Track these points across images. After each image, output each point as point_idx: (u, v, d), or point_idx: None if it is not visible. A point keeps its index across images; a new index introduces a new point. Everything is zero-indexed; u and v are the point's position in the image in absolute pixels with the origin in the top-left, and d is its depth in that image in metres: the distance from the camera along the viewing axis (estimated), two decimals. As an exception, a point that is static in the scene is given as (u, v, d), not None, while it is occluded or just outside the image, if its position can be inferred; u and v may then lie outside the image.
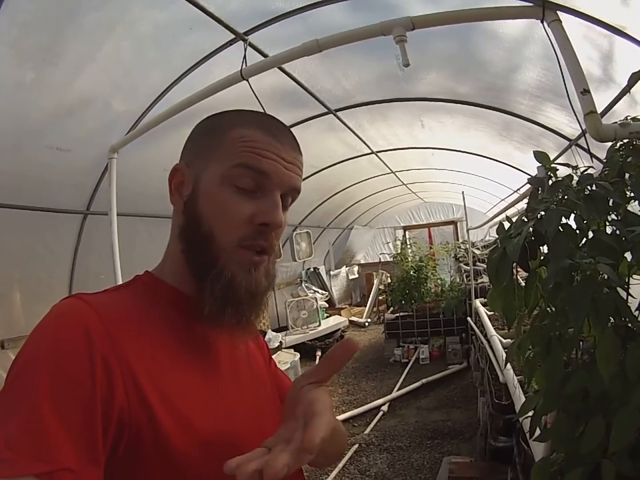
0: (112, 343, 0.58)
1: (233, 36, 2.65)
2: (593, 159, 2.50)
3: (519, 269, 1.24)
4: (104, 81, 2.69)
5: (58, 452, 0.48)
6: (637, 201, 1.22)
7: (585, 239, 1.15)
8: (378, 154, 6.06)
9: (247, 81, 2.14)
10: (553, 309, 1.18)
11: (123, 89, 2.87)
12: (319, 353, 7.02)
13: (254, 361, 0.82)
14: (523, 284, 1.26)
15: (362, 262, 12.24)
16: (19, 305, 3.24)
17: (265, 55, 2.79)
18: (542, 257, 1.22)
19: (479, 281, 5.62)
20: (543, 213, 1.12)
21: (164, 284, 0.71)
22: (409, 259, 7.83)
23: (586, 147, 1.68)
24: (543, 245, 1.17)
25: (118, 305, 0.65)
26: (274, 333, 6.68)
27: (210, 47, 2.77)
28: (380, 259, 10.78)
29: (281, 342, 6.54)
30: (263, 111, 0.78)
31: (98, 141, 3.02)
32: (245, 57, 2.22)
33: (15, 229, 3.17)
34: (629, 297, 1.14)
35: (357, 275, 11.70)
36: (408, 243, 8.83)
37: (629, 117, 1.31)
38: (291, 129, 0.75)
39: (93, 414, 0.53)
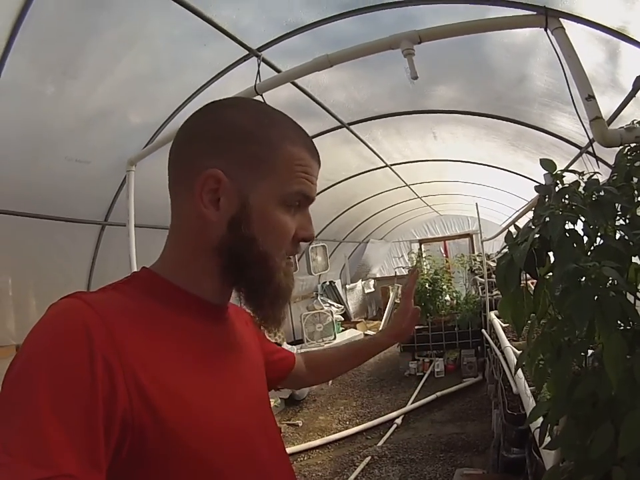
0: (113, 342, 0.56)
1: (246, 52, 2.72)
2: (605, 165, 2.50)
3: (528, 277, 1.24)
4: (122, 94, 2.77)
5: (58, 457, 0.47)
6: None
7: (593, 245, 1.16)
8: (392, 167, 6.08)
9: (261, 95, 2.18)
10: (562, 315, 1.18)
11: (140, 102, 2.95)
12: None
13: (251, 349, 0.83)
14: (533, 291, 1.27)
15: (378, 276, 12.21)
16: (35, 312, 3.30)
17: (277, 70, 2.86)
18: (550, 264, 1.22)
19: (494, 293, 5.56)
20: (547, 219, 1.13)
21: (167, 282, 0.70)
22: (425, 272, 7.79)
23: (595, 153, 1.70)
24: (549, 251, 1.18)
25: (118, 304, 0.63)
26: (289, 346, 6.67)
27: (225, 62, 2.85)
28: (396, 272, 10.72)
29: (296, 355, 6.52)
30: (289, 117, 0.76)
31: (116, 153, 3.10)
32: (258, 72, 2.27)
33: (34, 238, 3.24)
34: (637, 300, 1.15)
35: (372, 289, 11.65)
36: (423, 256, 8.78)
37: (635, 121, 1.32)
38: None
39: (94, 416, 0.51)
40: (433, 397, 5.21)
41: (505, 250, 1.25)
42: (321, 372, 1.19)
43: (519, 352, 2.85)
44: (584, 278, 1.05)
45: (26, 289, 3.31)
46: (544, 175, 1.39)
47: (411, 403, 5.19)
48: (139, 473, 0.57)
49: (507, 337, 3.49)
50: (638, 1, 1.80)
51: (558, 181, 1.29)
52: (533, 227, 1.21)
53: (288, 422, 5.18)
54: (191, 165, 0.68)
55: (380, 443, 4.34)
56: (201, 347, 0.69)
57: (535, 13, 1.45)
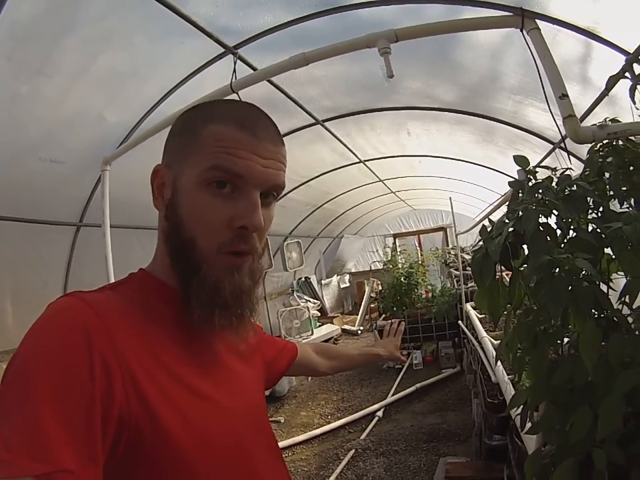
0: (111, 341, 0.57)
1: (223, 49, 2.71)
2: (577, 160, 2.58)
3: (503, 269, 1.28)
4: (98, 93, 2.72)
5: (57, 452, 0.48)
6: (616, 199, 1.27)
7: (566, 238, 1.20)
8: (366, 162, 6.11)
9: (237, 93, 2.18)
10: (537, 305, 1.22)
11: (116, 100, 2.90)
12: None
13: (248, 353, 0.83)
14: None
15: (353, 270, 12.26)
16: (12, 316, 3.22)
17: (254, 68, 2.85)
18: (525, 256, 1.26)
19: (469, 285, 5.68)
20: (521, 213, 1.17)
21: (160, 282, 0.71)
22: (399, 266, 7.88)
23: (567, 148, 1.75)
24: (523, 244, 1.22)
25: (116, 303, 0.64)
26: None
27: (201, 60, 2.82)
28: (371, 267, 10.81)
29: (274, 351, 6.52)
30: (239, 100, 0.76)
31: (91, 153, 3.04)
32: (234, 70, 2.26)
33: (8, 240, 3.15)
34: (610, 290, 1.20)
35: (348, 284, 11.72)
36: (398, 250, 8.88)
37: (607, 119, 1.38)
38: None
39: (92, 413, 0.52)
40: (412, 388, 5.29)
41: (480, 244, 1.29)
42: (340, 362, 1.29)
43: (496, 342, 2.93)
44: (557, 269, 1.10)
45: (3, 294, 3.22)
46: (517, 170, 1.44)
47: (391, 396, 5.27)
48: (134, 472, 0.58)
49: (484, 328, 3.58)
50: (608, 3, 1.87)
51: (531, 176, 1.34)
52: (507, 221, 1.25)
53: (270, 419, 5.14)
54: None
55: (363, 436, 4.39)
56: (197, 346, 0.70)
57: (511, 13, 1.49)
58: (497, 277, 1.27)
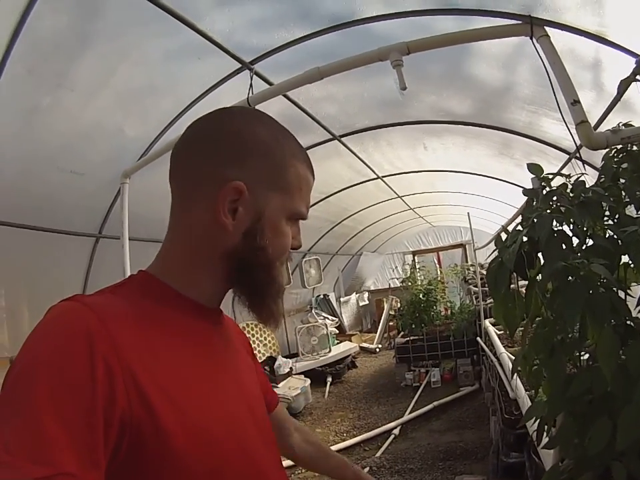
0: (113, 344, 0.57)
1: (239, 65, 2.77)
2: (594, 170, 2.54)
3: (520, 281, 1.26)
4: (117, 107, 2.80)
5: (58, 455, 0.47)
6: (633, 205, 1.25)
7: (583, 247, 1.18)
8: (384, 178, 6.12)
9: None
10: (553, 315, 1.19)
11: (135, 114, 2.98)
12: (329, 379, 6.95)
13: (242, 352, 0.86)
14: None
15: (372, 288, 12.19)
16: (28, 324, 3.28)
17: (270, 83, 2.90)
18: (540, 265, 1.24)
19: (488, 301, 5.60)
20: (535, 220, 1.15)
21: (164, 285, 0.70)
22: (418, 283, 7.81)
23: (583, 158, 1.73)
24: (539, 253, 1.20)
25: (117, 306, 0.64)
26: (284, 359, 6.65)
27: (218, 76, 2.89)
28: (390, 284, 10.72)
29: (291, 368, 6.51)
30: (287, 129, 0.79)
31: (110, 165, 3.12)
32: (251, 85, 2.30)
33: (28, 249, 3.24)
34: (628, 296, 1.17)
35: (367, 302, 11.63)
36: (417, 267, 8.81)
37: (620, 124, 1.36)
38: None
39: (94, 416, 0.52)
40: (430, 406, 5.20)
41: (495, 254, 1.27)
42: (316, 453, 1.10)
43: (514, 357, 2.87)
44: (573, 276, 1.07)
45: (19, 301, 3.29)
46: (531, 178, 1.42)
47: (409, 413, 5.17)
48: (135, 475, 0.58)
49: (502, 344, 3.52)
50: (615, 6, 1.86)
51: (545, 184, 1.32)
52: (521, 229, 1.24)
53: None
54: (211, 175, 0.70)
55: (378, 454, 4.31)
56: (199, 348, 0.71)
57: (520, 22, 1.49)
58: (513, 287, 1.25)
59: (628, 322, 1.08)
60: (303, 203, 0.76)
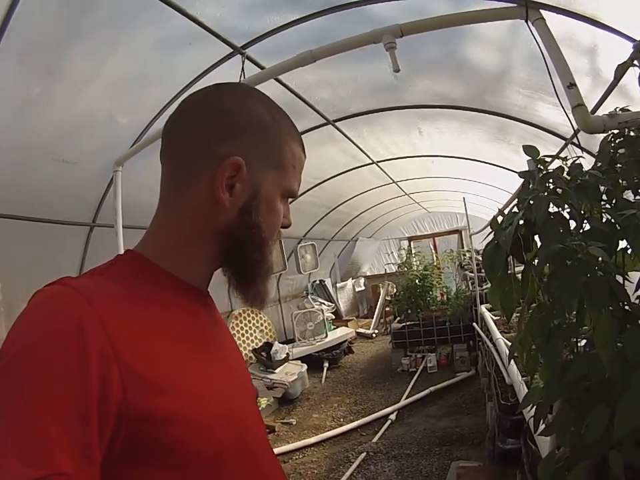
0: (105, 331, 0.54)
1: (231, 50, 2.72)
2: (591, 156, 2.52)
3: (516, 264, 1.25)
4: (108, 96, 2.76)
5: (51, 455, 0.45)
6: (630, 190, 1.23)
7: (580, 230, 1.16)
8: (379, 164, 6.09)
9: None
10: (550, 299, 1.18)
11: (126, 103, 2.95)
12: (326, 364, 7.00)
13: (230, 335, 0.86)
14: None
15: (368, 274, 12.26)
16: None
17: (262, 67, 2.86)
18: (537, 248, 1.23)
19: (484, 287, 5.61)
20: (532, 202, 1.13)
21: (155, 266, 0.68)
22: (414, 268, 7.83)
23: (580, 144, 1.71)
24: (535, 235, 1.18)
25: (106, 289, 0.61)
26: (281, 345, 6.66)
27: (209, 61, 2.84)
28: (386, 269, 10.76)
29: (288, 354, 6.53)
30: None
31: (103, 154, 3.09)
32: (243, 69, 2.26)
33: (22, 240, 3.22)
34: (626, 281, 1.16)
35: (363, 287, 11.67)
36: (412, 252, 8.82)
37: (617, 108, 1.33)
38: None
39: (88, 410, 0.50)
40: (426, 392, 5.24)
41: (491, 237, 1.25)
42: None
43: (510, 343, 2.88)
44: (571, 260, 1.06)
45: (16, 294, 3.27)
46: (527, 160, 1.40)
47: (405, 399, 5.22)
48: (132, 467, 0.56)
49: (498, 330, 3.53)
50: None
51: (542, 166, 1.30)
52: (518, 211, 1.22)
53: (282, 420, 5.17)
54: (208, 151, 0.68)
55: (375, 439, 4.35)
56: (193, 330, 0.69)
57: (515, 4, 1.46)
58: (509, 270, 1.23)
59: (626, 307, 1.07)
60: (295, 181, 0.76)
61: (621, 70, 1.37)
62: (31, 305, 0.57)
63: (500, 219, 1.33)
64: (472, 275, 5.97)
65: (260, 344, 6.79)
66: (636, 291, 1.13)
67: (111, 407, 0.52)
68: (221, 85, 0.75)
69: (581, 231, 1.16)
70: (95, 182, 3.41)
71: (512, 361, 2.31)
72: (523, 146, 1.32)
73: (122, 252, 2.54)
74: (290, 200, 0.78)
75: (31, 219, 3.19)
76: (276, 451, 4.24)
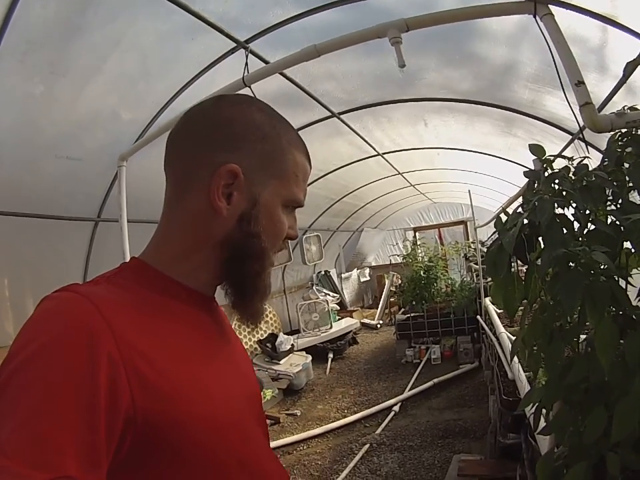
0: (113, 336, 0.55)
1: (234, 44, 2.70)
2: (598, 152, 2.50)
3: (520, 263, 1.24)
4: (111, 92, 2.76)
5: (57, 458, 0.45)
6: (636, 191, 1.22)
7: (584, 231, 1.15)
8: (384, 155, 6.06)
9: (250, 87, 2.16)
10: (553, 300, 1.18)
11: (129, 99, 2.94)
12: (330, 355, 7.03)
13: (238, 340, 0.86)
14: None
15: (373, 264, 12.24)
16: (30, 311, 3.31)
17: (266, 62, 2.84)
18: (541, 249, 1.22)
19: (489, 279, 5.59)
20: (536, 203, 1.12)
21: (160, 274, 0.69)
22: (419, 260, 7.81)
23: (587, 139, 1.68)
24: (539, 237, 1.18)
25: (114, 296, 0.62)
26: (286, 336, 6.70)
27: (212, 56, 2.83)
28: (390, 260, 10.74)
29: (292, 345, 6.57)
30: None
31: (107, 150, 3.10)
32: (246, 64, 2.24)
33: (28, 237, 3.24)
34: (629, 286, 1.15)
35: (368, 278, 11.68)
36: (417, 243, 8.79)
37: (625, 107, 1.32)
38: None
39: (96, 414, 0.50)
40: (430, 383, 5.25)
41: (495, 236, 1.24)
42: None
43: (513, 337, 2.87)
44: (574, 263, 1.05)
45: (23, 290, 3.31)
46: (533, 160, 1.39)
47: (408, 390, 5.24)
48: (145, 467, 0.56)
49: (502, 323, 3.52)
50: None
51: (547, 166, 1.29)
52: (522, 212, 1.21)
53: (287, 412, 5.20)
54: (206, 159, 0.69)
55: (378, 431, 4.37)
56: (198, 335, 0.70)
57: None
58: (513, 271, 1.23)
59: (628, 312, 1.06)
60: (299, 190, 0.75)
61: (631, 67, 1.35)
62: (39, 310, 0.57)
63: (504, 217, 1.32)
64: (477, 267, 5.95)
65: (265, 335, 6.83)
66: (638, 296, 1.13)
67: (119, 411, 0.52)
68: (223, 96, 0.76)
69: (585, 231, 1.15)
70: (99, 177, 3.42)
71: (515, 357, 2.32)
72: (530, 145, 1.31)
73: (127, 246, 2.56)
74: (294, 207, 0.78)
75: (36, 215, 3.20)
76: (280, 442, 4.29)
